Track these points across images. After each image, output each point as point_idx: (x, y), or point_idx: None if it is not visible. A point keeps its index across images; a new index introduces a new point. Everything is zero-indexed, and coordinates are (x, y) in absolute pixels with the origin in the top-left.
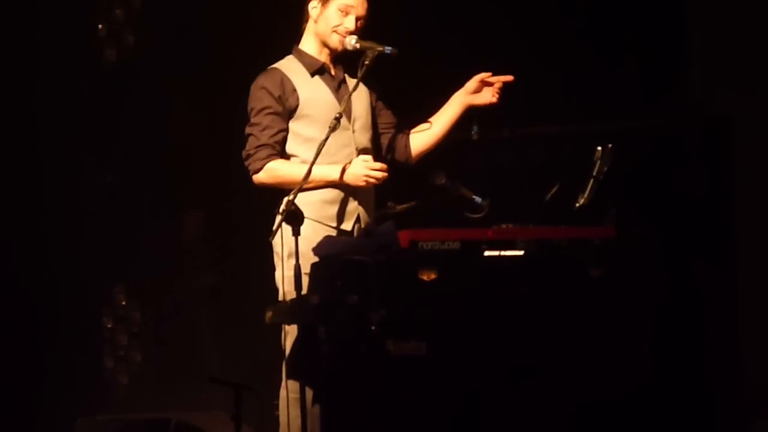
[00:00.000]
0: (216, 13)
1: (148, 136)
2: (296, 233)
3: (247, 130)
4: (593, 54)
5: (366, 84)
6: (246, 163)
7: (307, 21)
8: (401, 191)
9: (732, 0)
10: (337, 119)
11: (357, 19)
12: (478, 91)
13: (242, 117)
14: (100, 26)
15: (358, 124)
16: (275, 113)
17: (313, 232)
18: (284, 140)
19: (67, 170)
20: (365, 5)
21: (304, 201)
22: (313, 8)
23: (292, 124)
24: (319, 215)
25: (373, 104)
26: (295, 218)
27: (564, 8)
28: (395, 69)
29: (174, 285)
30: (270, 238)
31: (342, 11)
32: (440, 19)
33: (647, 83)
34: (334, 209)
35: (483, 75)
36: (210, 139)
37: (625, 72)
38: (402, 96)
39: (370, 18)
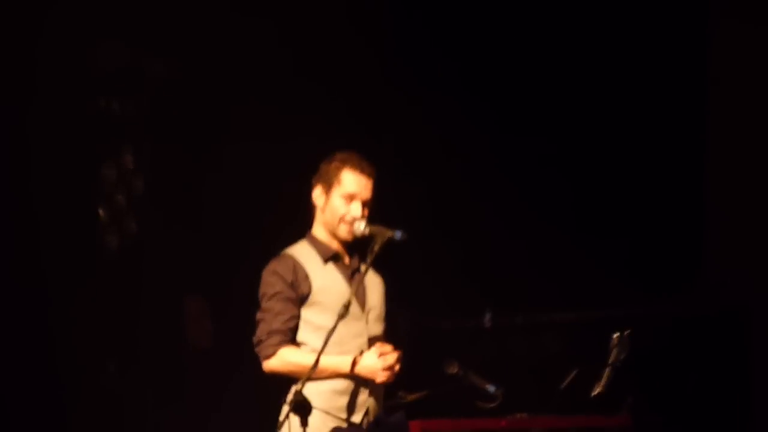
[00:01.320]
0: (225, 197)
1: (153, 327)
2: (304, 424)
3: (258, 315)
4: (608, 240)
5: (379, 272)
6: (256, 349)
7: (315, 208)
8: (412, 380)
9: (755, 192)
10: (346, 307)
11: (363, 204)
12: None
13: (254, 304)
14: (101, 212)
15: (372, 315)
16: (287, 299)
17: (322, 424)
18: (296, 327)
19: (72, 363)
20: (370, 187)
21: (313, 390)
22: (318, 197)
23: (304, 312)
24: (329, 406)
25: (386, 294)
26: (303, 409)
27: (582, 191)
28: None
29: None
30: (277, 430)
31: (346, 198)
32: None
33: (665, 269)
34: (345, 400)
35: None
36: (221, 328)
37: (641, 258)
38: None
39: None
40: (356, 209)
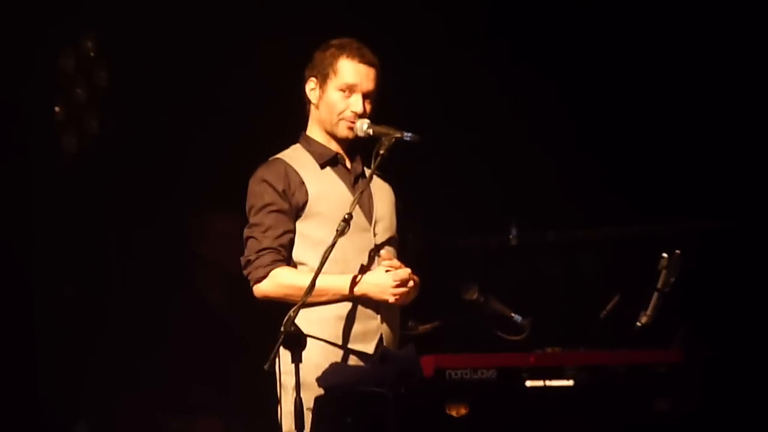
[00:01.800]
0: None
1: (121, 248)
2: (296, 359)
3: (246, 232)
4: (655, 142)
5: (387, 179)
6: (245, 271)
7: (308, 104)
8: (424, 308)
9: None
10: (346, 221)
11: (364, 96)
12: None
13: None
14: (57, 109)
15: (380, 226)
16: (280, 211)
17: (324, 358)
18: (291, 243)
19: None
20: (372, 78)
21: (314, 318)
22: (311, 90)
23: (300, 225)
24: (334, 335)
25: (397, 205)
26: (294, 341)
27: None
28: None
29: None
30: (266, 366)
31: (344, 91)
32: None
33: (722, 177)
34: (352, 327)
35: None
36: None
37: (696, 165)
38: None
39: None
40: (357, 103)
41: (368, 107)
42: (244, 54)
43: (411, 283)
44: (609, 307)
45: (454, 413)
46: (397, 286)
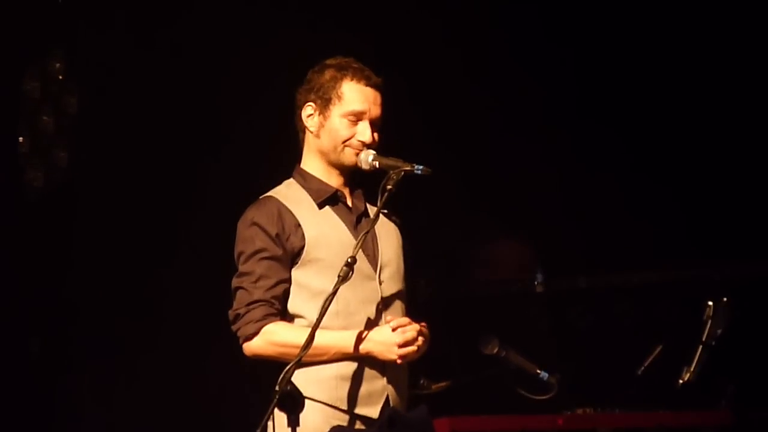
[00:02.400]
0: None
1: (88, 291)
2: (293, 423)
3: (235, 282)
4: (700, 180)
5: (394, 217)
6: (234, 327)
7: (304, 132)
8: (438, 364)
9: None
10: (349, 265)
11: (372, 123)
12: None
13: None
14: (21, 139)
15: (387, 273)
16: (273, 258)
17: (324, 421)
18: (285, 294)
19: None
20: (379, 102)
21: (312, 378)
22: (309, 117)
23: (296, 273)
24: (333, 397)
25: (405, 247)
26: (290, 402)
27: (662, 116)
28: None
29: None
30: (258, 430)
31: (350, 118)
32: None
33: None
34: (354, 389)
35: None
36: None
37: (743, 205)
38: None
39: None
40: (365, 132)
41: (376, 136)
42: (228, 76)
43: (420, 340)
44: (649, 359)
45: None
46: (405, 344)
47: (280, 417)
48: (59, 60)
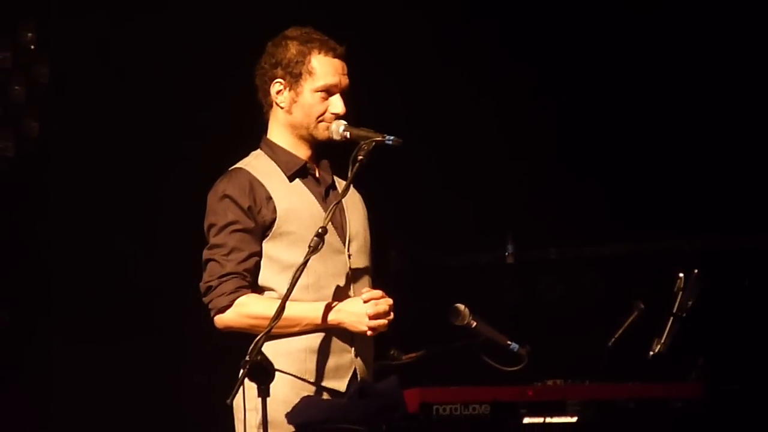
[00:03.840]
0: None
1: (62, 266)
2: (264, 393)
3: (206, 254)
4: (670, 148)
5: (358, 188)
6: (205, 299)
7: (271, 106)
8: (408, 334)
9: None
10: (320, 236)
11: (342, 94)
12: None
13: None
14: None
15: (355, 245)
16: (244, 231)
17: (293, 393)
18: (257, 267)
19: None
20: (346, 71)
21: (282, 350)
22: (278, 93)
23: (267, 246)
24: (302, 369)
25: (370, 218)
26: (261, 373)
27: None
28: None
29: None
30: (229, 399)
31: (322, 92)
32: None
33: (746, 186)
34: (322, 361)
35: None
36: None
37: (714, 174)
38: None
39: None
40: (337, 104)
41: (344, 107)
42: (200, 49)
43: (391, 315)
44: (617, 334)
45: None
46: (377, 317)
47: (250, 387)
48: (31, 30)
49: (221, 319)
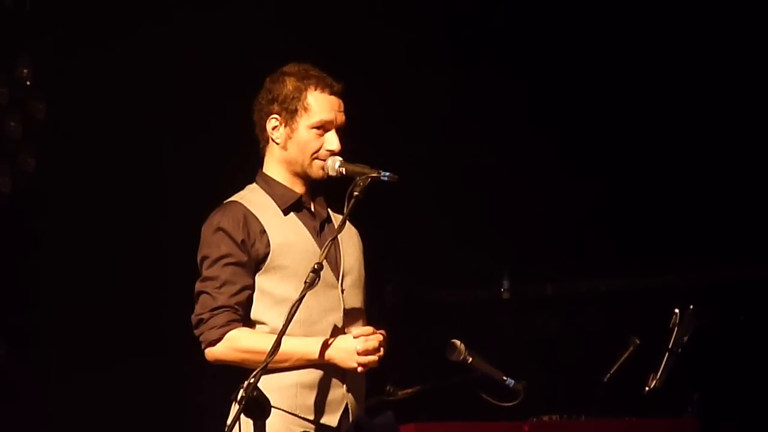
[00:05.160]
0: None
1: (56, 298)
2: (260, 430)
3: (199, 286)
4: (666, 186)
5: (354, 223)
6: (197, 331)
7: (267, 141)
8: (404, 370)
9: None
10: (316, 272)
11: (338, 131)
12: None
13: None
14: None
15: (349, 280)
16: (237, 264)
17: (284, 428)
18: (249, 301)
19: None
20: (342, 108)
21: (273, 385)
22: (274, 129)
23: (260, 280)
24: (293, 404)
25: (365, 254)
26: (257, 408)
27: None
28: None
29: None
30: None
31: (318, 129)
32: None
33: (739, 221)
34: (314, 397)
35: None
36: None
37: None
38: None
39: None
40: (332, 140)
41: (340, 144)
42: (196, 85)
43: (382, 352)
44: (613, 368)
45: None
46: (366, 353)
47: (244, 422)
48: (27, 66)
49: (212, 353)
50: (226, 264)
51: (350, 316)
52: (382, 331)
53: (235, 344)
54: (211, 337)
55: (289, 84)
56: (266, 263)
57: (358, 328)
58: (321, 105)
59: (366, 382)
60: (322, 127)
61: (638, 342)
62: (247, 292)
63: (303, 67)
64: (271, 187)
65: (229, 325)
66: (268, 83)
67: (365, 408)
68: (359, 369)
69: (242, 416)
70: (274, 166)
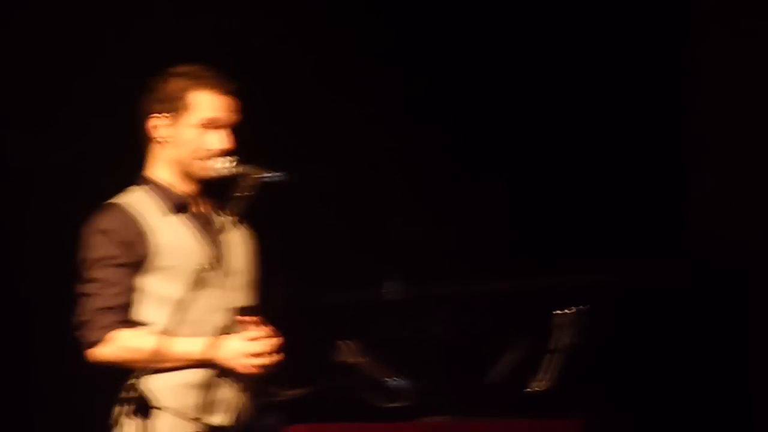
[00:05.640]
0: None
1: None
2: (145, 430)
3: (80, 288)
4: (551, 186)
5: (246, 224)
6: (78, 333)
7: (151, 142)
8: (291, 371)
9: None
10: (200, 272)
11: (224, 131)
12: None
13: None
14: None
15: (236, 281)
16: (119, 265)
17: (173, 429)
18: (131, 302)
19: None
20: (233, 108)
21: (159, 386)
22: (158, 129)
23: (143, 280)
24: (181, 404)
25: (256, 254)
26: (141, 409)
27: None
28: None
29: None
30: None
31: (205, 126)
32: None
33: (627, 227)
34: (203, 396)
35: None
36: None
37: (598, 212)
38: None
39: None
40: (215, 140)
41: (230, 143)
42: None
43: (273, 354)
44: (500, 369)
45: None
46: (255, 355)
47: (128, 424)
48: None
49: (94, 354)
50: (107, 265)
51: (238, 317)
52: (276, 334)
53: (120, 344)
54: (94, 338)
55: (173, 83)
56: (148, 264)
57: (249, 331)
58: (206, 103)
59: (256, 384)
60: (206, 126)
61: (524, 343)
62: (130, 293)
63: (191, 67)
64: (153, 188)
65: (112, 326)
66: (152, 82)
67: (255, 409)
68: (245, 371)
69: (126, 417)
70: (157, 167)
